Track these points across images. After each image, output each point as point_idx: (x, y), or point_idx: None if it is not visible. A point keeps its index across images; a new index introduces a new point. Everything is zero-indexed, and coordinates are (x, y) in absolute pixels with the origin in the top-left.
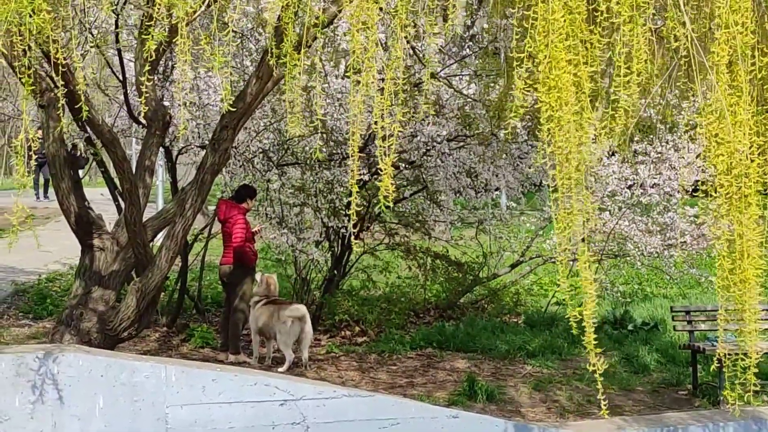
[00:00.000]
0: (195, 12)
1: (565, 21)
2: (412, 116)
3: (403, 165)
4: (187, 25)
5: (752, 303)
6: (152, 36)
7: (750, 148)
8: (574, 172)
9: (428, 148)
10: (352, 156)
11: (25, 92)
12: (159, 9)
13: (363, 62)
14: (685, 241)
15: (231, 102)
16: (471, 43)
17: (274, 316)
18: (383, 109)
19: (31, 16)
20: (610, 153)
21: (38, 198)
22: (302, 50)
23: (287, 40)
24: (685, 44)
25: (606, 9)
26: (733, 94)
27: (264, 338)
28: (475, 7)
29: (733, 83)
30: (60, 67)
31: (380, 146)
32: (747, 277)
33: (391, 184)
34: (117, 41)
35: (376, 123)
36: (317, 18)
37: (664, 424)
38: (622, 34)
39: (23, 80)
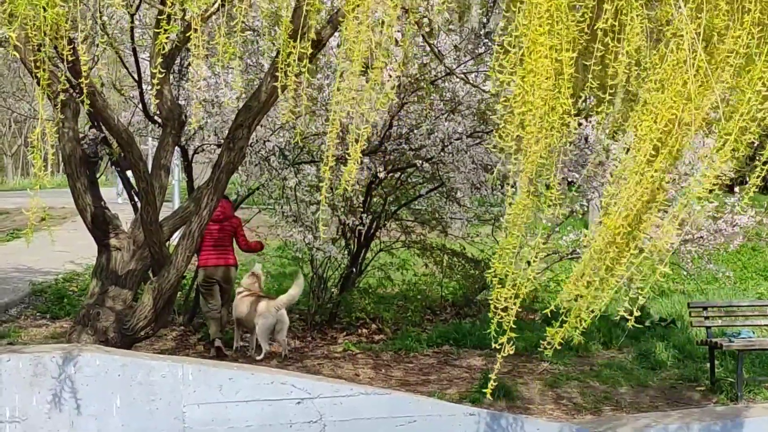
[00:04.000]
0: (208, 10)
1: (551, 6)
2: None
3: (420, 162)
4: (203, 22)
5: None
6: (164, 30)
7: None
8: (540, 158)
9: (445, 144)
10: (328, 143)
11: (42, 84)
12: (173, 6)
13: (354, 50)
14: (702, 237)
15: (244, 98)
16: (487, 39)
17: (251, 308)
18: (358, 97)
19: (45, 9)
20: (626, 149)
21: None
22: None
23: (283, 29)
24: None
25: None
26: (688, 69)
27: (242, 329)
28: (491, 4)
29: (694, 61)
30: (67, 63)
31: (353, 131)
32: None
33: (409, 180)
34: (132, 40)
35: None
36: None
37: (683, 421)
38: (614, 16)
39: (39, 74)
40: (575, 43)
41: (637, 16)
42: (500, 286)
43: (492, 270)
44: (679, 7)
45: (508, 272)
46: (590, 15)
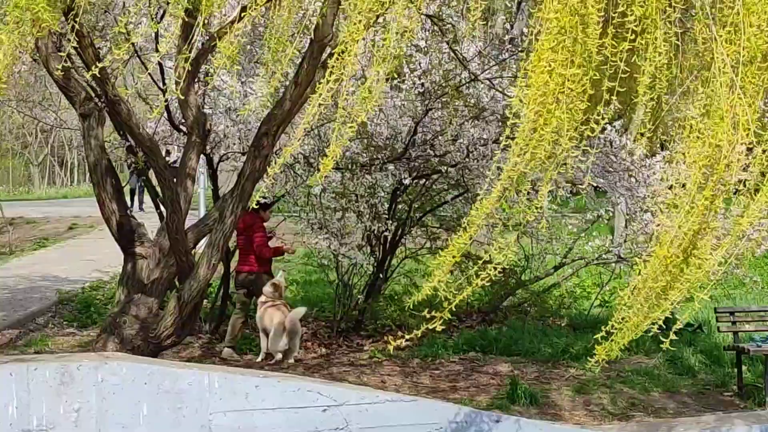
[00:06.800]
0: (233, 22)
1: (565, 22)
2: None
3: (445, 168)
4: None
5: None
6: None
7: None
8: (525, 166)
9: (470, 150)
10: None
11: None
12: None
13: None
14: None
15: (269, 107)
16: (510, 45)
17: (270, 318)
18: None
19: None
20: (651, 154)
21: (136, 208)
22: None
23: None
24: (710, 46)
25: (622, 13)
26: (738, 92)
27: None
28: (514, 10)
29: (740, 83)
30: (92, 73)
31: (337, 128)
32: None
33: (434, 186)
34: (157, 50)
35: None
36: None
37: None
38: (642, 37)
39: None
40: (590, 60)
41: (663, 34)
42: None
43: (438, 261)
44: (710, 29)
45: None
46: (611, 28)
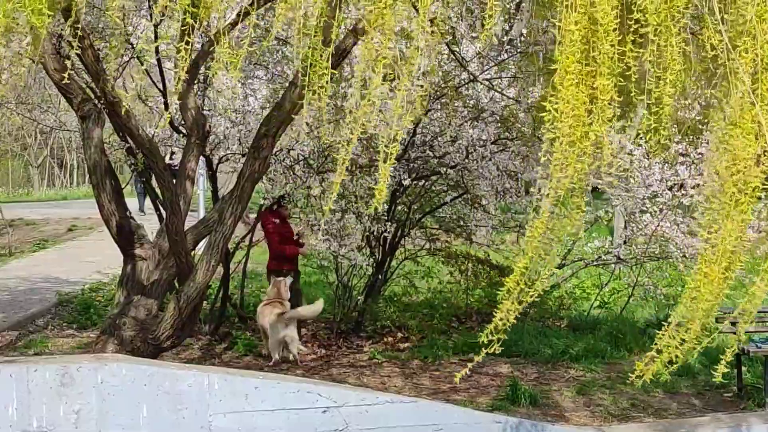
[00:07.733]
0: (235, 24)
1: (586, 32)
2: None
3: (444, 169)
4: (226, 33)
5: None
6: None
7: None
8: (570, 183)
9: (469, 151)
10: (343, 155)
11: None
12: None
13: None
14: None
15: (268, 108)
16: (509, 46)
17: (266, 317)
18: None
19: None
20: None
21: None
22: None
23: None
24: (721, 52)
25: (636, 20)
26: (756, 102)
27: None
28: (513, 11)
29: (756, 92)
30: (91, 74)
31: (382, 150)
32: (712, 273)
33: (433, 187)
34: (157, 51)
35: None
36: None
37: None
38: (656, 45)
39: None
40: (613, 68)
41: (677, 43)
42: (507, 299)
43: (505, 288)
44: (722, 34)
45: (518, 287)
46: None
